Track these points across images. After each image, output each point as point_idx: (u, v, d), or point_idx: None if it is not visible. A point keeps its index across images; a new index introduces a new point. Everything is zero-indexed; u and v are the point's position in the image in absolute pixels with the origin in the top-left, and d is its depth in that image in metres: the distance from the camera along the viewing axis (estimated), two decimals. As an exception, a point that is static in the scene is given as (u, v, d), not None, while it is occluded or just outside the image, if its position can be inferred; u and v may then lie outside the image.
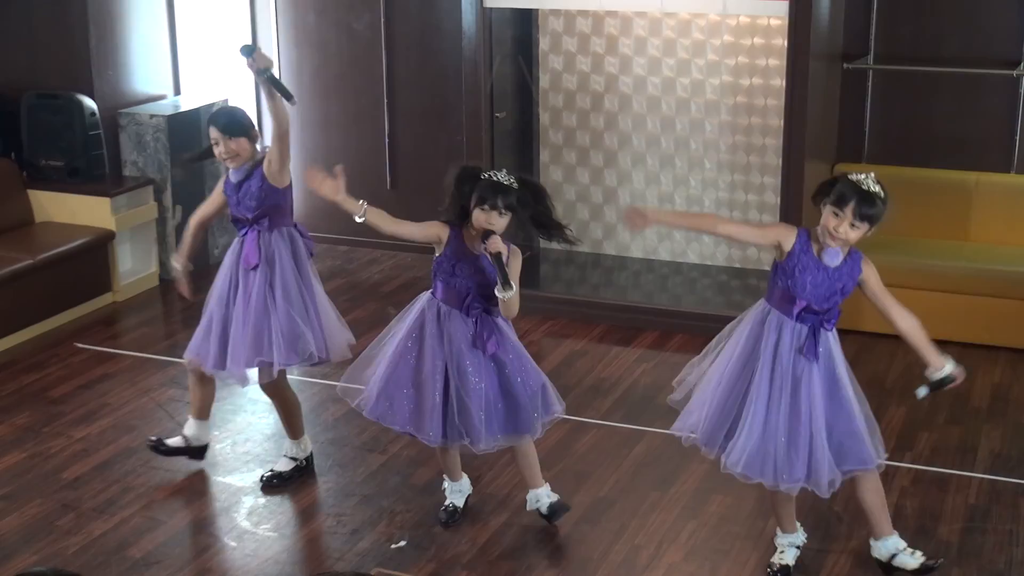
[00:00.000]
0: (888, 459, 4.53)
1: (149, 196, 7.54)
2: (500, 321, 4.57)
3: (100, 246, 7.25)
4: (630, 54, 7.45)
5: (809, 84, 6.32)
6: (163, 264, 7.71)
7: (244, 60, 4.79)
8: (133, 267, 7.61)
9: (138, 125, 7.55)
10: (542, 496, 4.85)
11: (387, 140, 8.09)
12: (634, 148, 7.58)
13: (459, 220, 4.50)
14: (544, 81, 7.66)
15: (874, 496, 4.43)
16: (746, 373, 4.29)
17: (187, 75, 8.13)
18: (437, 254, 4.55)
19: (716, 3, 6.56)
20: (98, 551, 4.74)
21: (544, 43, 7.60)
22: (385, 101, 8.04)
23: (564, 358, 6.49)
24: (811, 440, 4.22)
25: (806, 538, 4.62)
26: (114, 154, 7.57)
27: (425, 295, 4.63)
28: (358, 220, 4.41)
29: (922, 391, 4.29)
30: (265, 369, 4.99)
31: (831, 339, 4.27)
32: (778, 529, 4.58)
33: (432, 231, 4.51)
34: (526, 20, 7.51)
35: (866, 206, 4.10)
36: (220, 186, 5.12)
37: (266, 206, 4.94)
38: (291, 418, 5.25)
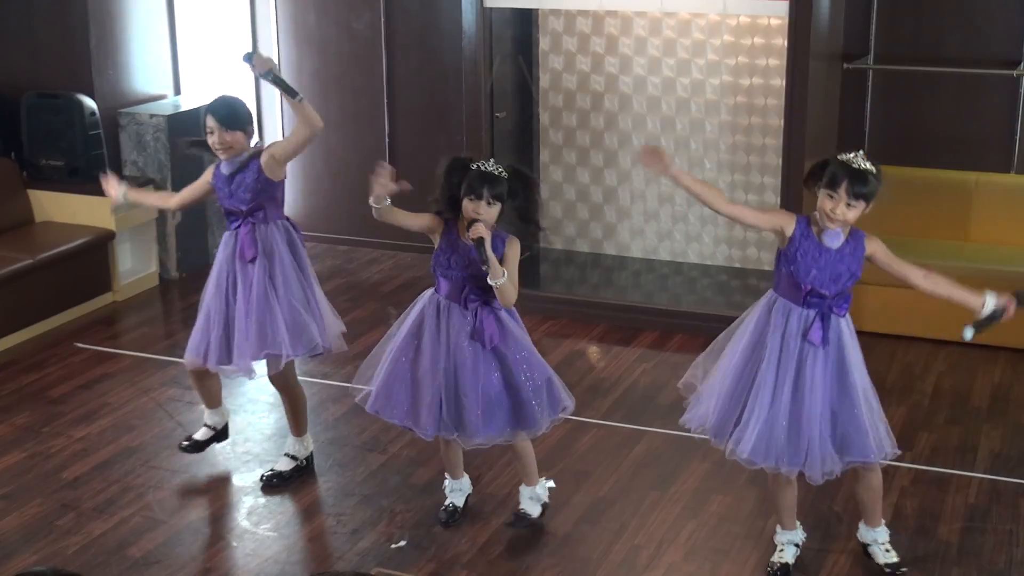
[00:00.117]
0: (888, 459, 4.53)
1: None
2: (503, 314, 4.56)
3: (100, 246, 7.25)
4: (630, 54, 7.45)
5: (809, 84, 6.32)
6: (163, 264, 7.72)
7: (248, 67, 4.81)
8: (133, 267, 7.61)
9: (138, 125, 7.55)
10: (525, 497, 4.83)
11: (387, 140, 8.09)
12: (634, 148, 7.58)
13: (450, 211, 4.51)
14: (544, 81, 7.66)
15: (868, 493, 4.43)
16: (753, 361, 4.29)
17: (187, 75, 8.13)
18: (435, 248, 4.57)
19: (716, 3, 6.56)
20: (98, 551, 4.74)
21: (544, 43, 7.60)
22: (385, 101, 8.04)
23: (564, 358, 6.49)
24: (808, 425, 4.22)
25: (805, 537, 4.62)
26: (114, 154, 7.57)
27: (428, 292, 4.65)
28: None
29: (968, 332, 4.16)
30: (272, 361, 5.00)
31: (844, 326, 4.26)
32: (778, 527, 4.58)
33: (423, 220, 4.54)
34: (526, 20, 7.50)
35: (859, 184, 4.10)
36: (208, 176, 5.06)
37: (261, 198, 4.94)
38: (297, 413, 5.24)
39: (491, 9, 6.91)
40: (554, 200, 7.81)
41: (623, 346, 6.66)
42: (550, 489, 4.90)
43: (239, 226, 4.96)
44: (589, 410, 5.86)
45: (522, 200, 4.51)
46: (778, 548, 4.58)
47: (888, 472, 5.05)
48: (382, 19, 7.91)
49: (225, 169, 4.97)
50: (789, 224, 4.25)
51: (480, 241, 4.34)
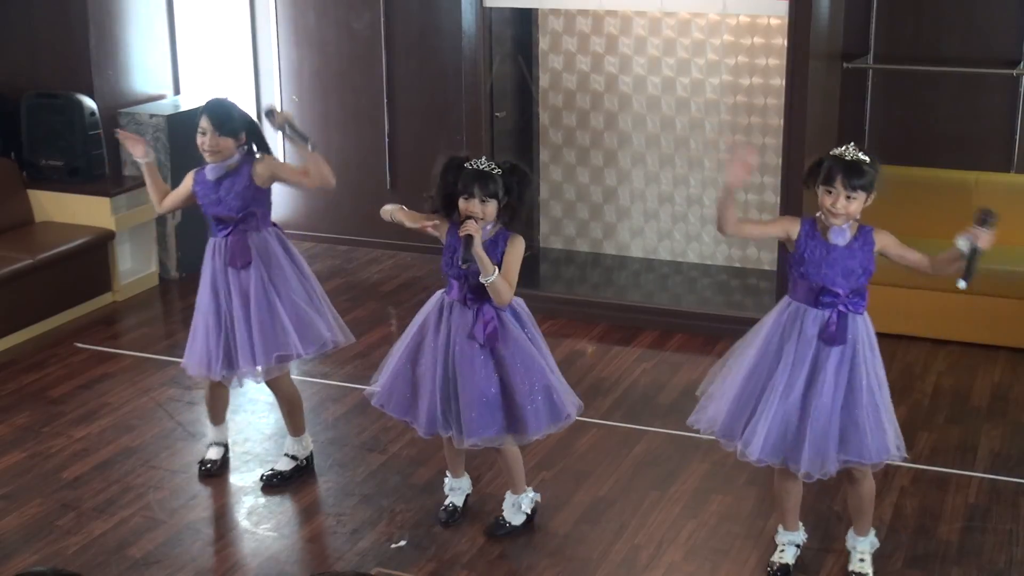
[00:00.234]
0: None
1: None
2: (506, 315, 4.56)
3: (100, 246, 7.25)
4: (630, 54, 7.44)
5: (809, 84, 6.31)
6: (163, 264, 7.72)
7: (269, 122, 4.91)
8: (133, 267, 7.61)
9: (138, 125, 7.55)
10: (508, 504, 4.82)
11: (387, 140, 8.09)
12: (634, 148, 7.58)
13: (448, 211, 4.52)
14: (544, 81, 7.66)
15: (858, 500, 4.43)
16: (764, 364, 4.29)
17: (187, 75, 8.13)
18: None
19: (716, 3, 6.56)
20: (98, 551, 4.74)
21: (544, 43, 7.60)
22: (385, 101, 8.04)
23: (564, 358, 6.48)
24: (815, 422, 4.22)
25: (806, 537, 4.62)
26: (114, 154, 7.56)
27: (439, 292, 4.67)
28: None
29: (961, 283, 4.14)
30: (283, 362, 5.02)
31: (860, 325, 4.25)
32: (780, 527, 4.58)
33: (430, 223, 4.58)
34: (526, 20, 7.50)
35: (855, 176, 4.11)
36: (188, 183, 5.01)
37: (252, 205, 4.93)
38: (293, 414, 5.24)
39: (491, 9, 6.91)
40: (554, 200, 7.81)
41: (623, 346, 6.66)
42: (536, 502, 4.87)
43: (228, 234, 4.94)
44: (589, 410, 5.83)
45: (515, 197, 4.50)
46: (779, 548, 4.57)
47: (888, 472, 5.06)
48: (382, 19, 7.91)
49: (211, 174, 4.93)
50: (794, 227, 4.27)
51: (468, 238, 4.34)
